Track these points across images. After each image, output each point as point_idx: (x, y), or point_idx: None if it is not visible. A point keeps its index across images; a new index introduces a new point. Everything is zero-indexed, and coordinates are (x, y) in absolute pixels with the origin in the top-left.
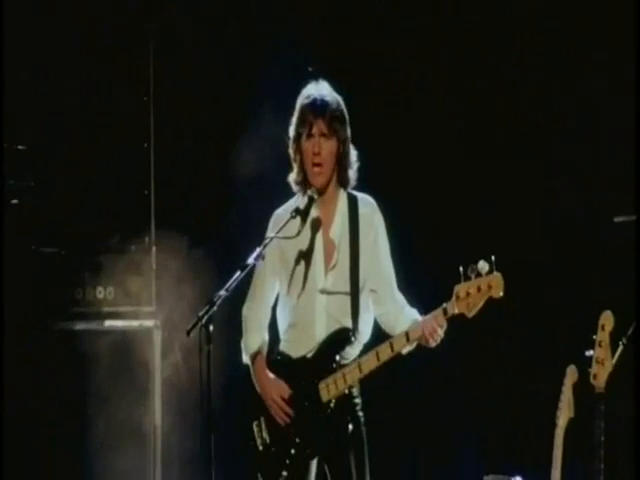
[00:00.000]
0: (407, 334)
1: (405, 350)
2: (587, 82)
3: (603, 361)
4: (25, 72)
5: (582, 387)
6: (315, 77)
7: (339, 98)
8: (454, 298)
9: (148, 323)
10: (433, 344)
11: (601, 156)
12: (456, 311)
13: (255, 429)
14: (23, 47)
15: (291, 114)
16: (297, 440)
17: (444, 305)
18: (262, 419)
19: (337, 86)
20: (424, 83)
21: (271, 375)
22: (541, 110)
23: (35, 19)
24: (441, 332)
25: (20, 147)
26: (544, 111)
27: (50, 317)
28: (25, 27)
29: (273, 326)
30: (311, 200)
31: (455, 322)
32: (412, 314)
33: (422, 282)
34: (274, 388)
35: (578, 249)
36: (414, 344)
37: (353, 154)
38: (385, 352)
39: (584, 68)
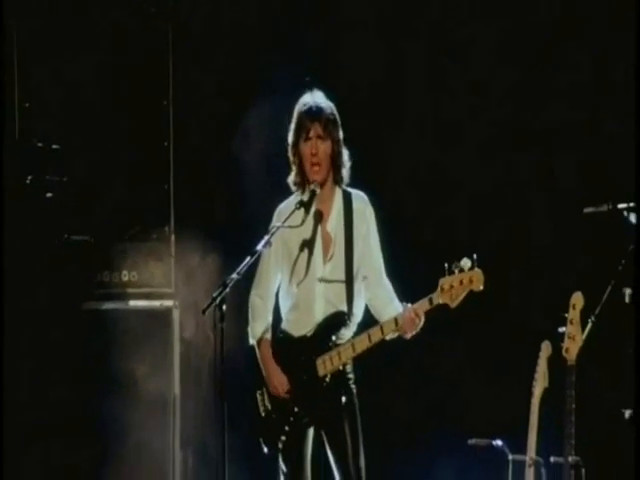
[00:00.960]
0: (396, 319)
1: (389, 336)
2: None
3: (574, 337)
4: (59, 83)
5: (555, 360)
6: (310, 87)
7: (332, 105)
8: (439, 290)
9: (168, 303)
10: (409, 334)
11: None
12: (440, 301)
13: (258, 397)
14: (54, 60)
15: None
16: (295, 409)
17: (430, 295)
18: (264, 389)
19: (330, 93)
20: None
21: (274, 364)
22: (534, 109)
23: (62, 25)
24: (419, 322)
25: (54, 146)
26: (538, 110)
27: (80, 297)
28: (55, 39)
29: (275, 307)
30: (313, 193)
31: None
32: (399, 306)
33: (409, 272)
34: (275, 377)
35: (557, 238)
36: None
37: (345, 154)
38: (376, 334)
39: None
